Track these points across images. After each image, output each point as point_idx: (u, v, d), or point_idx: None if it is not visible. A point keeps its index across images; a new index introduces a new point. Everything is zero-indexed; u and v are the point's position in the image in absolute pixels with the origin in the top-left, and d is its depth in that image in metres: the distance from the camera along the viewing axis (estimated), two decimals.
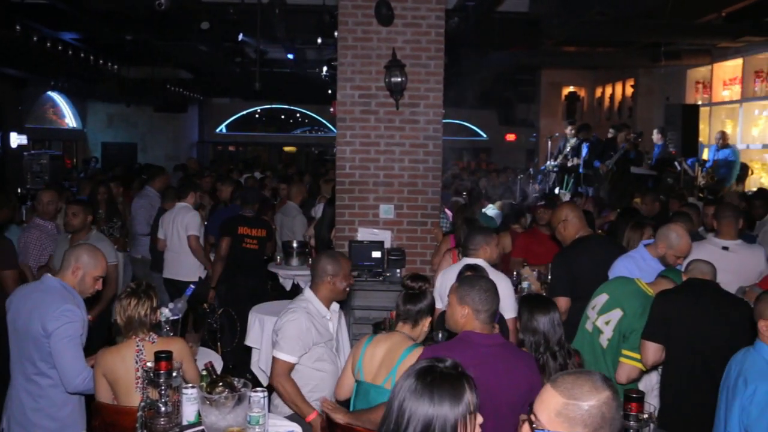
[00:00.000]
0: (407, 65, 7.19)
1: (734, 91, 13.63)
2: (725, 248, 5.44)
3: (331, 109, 9.93)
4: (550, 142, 14.29)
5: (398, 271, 7.24)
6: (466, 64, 15.67)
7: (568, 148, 13.88)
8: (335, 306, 4.43)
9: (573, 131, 14.00)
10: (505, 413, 3.29)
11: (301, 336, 4.10)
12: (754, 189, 11.91)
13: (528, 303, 3.87)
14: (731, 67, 13.74)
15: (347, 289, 4.36)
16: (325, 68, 14.32)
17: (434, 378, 2.27)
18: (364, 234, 7.36)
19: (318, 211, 9.13)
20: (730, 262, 5.31)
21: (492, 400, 3.26)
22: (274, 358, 4.13)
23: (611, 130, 13.55)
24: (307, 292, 4.34)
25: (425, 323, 3.75)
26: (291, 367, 4.09)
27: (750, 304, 4.25)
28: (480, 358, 3.29)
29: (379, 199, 7.44)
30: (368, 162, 7.42)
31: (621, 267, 4.86)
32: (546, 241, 6.58)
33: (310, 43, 13.19)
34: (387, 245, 7.30)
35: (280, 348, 4.10)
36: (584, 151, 13.51)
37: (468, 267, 4.82)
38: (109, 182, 9.19)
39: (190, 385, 3.37)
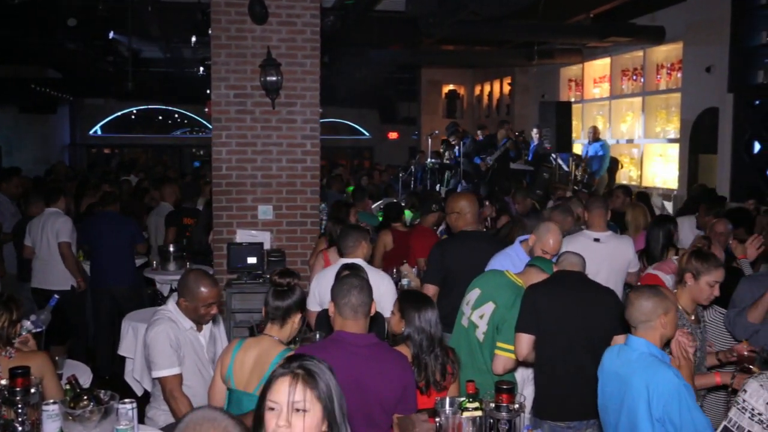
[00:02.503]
0: (283, 64, 7.10)
1: (604, 89, 14.27)
2: (596, 240, 5.65)
3: (206, 109, 9.69)
4: (430, 140, 14.48)
5: None
6: (347, 62, 15.71)
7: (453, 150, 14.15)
8: None
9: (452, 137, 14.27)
10: (378, 412, 3.30)
11: (172, 344, 3.97)
12: (624, 182, 12.52)
13: (412, 299, 3.87)
14: (600, 66, 14.37)
15: (208, 317, 4.16)
16: (201, 68, 13.99)
17: None
18: (242, 236, 7.21)
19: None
20: (602, 253, 5.54)
21: (365, 400, 3.25)
22: (159, 380, 3.97)
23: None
24: (170, 304, 4.19)
25: (295, 320, 3.64)
26: (179, 379, 3.95)
27: (616, 293, 4.43)
28: (352, 357, 3.28)
29: (257, 200, 7.31)
30: (245, 163, 7.27)
31: (496, 264, 4.96)
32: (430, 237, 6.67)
33: (185, 42, 12.85)
34: (266, 246, 7.19)
35: (159, 366, 3.95)
36: (460, 148, 13.78)
37: (345, 267, 4.80)
38: None
39: (52, 401, 3.19)
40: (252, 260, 6.89)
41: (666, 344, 3.43)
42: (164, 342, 3.95)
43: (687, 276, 4.06)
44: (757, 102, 10.11)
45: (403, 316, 3.78)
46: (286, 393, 2.14)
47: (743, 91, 10.21)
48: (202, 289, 4.05)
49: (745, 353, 3.95)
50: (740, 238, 6.70)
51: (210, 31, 7.30)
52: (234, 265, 6.88)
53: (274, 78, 7.00)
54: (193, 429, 1.89)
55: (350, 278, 3.50)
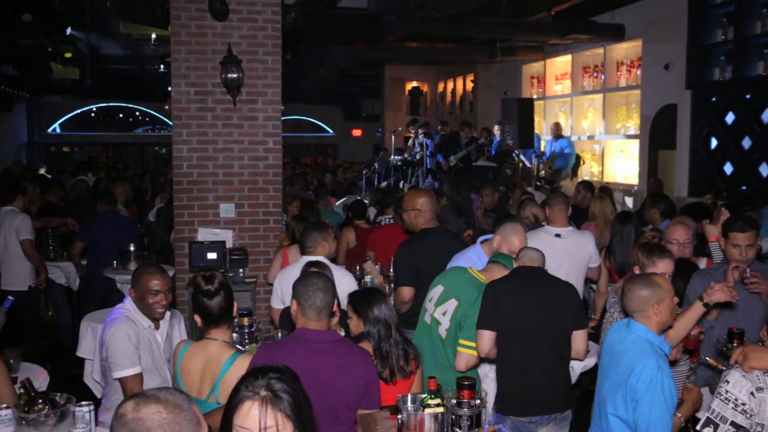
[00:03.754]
0: (244, 61, 7.05)
1: (565, 86, 14.39)
2: (558, 235, 5.69)
3: (166, 107, 9.57)
4: (393, 137, 14.49)
5: (241, 270, 7.09)
6: (310, 59, 15.65)
7: (416, 146, 14.14)
8: (167, 313, 4.25)
9: (419, 130, 14.25)
10: (342, 409, 3.29)
11: (132, 342, 3.91)
12: (586, 178, 12.65)
13: (362, 296, 3.89)
14: (562, 63, 14.49)
15: (158, 308, 4.08)
16: (162, 65, 13.83)
17: None
18: (204, 234, 7.15)
19: (156, 212, 8.79)
20: (563, 248, 5.58)
21: (327, 397, 3.24)
22: (120, 380, 3.89)
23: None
24: (128, 303, 4.13)
25: (232, 318, 3.61)
26: (140, 378, 3.89)
27: (576, 288, 4.48)
28: (315, 355, 3.27)
29: (218, 198, 7.26)
30: (206, 160, 7.21)
31: (459, 262, 4.96)
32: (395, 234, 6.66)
33: (146, 39, 12.69)
34: (229, 245, 7.14)
35: (119, 366, 3.86)
36: (429, 146, 13.81)
37: (310, 264, 4.78)
38: None
39: (4, 405, 3.12)
40: (214, 259, 6.82)
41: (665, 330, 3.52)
42: (123, 341, 3.88)
43: (635, 269, 4.18)
44: (714, 99, 10.28)
45: (359, 315, 3.81)
46: (256, 419, 2.12)
47: (700, 88, 10.38)
48: (147, 276, 4.01)
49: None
50: (699, 231, 6.82)
51: (170, 28, 7.21)
52: (196, 263, 6.80)
53: (235, 75, 6.95)
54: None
55: (315, 279, 3.46)
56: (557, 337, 4.00)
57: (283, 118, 7.55)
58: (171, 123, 7.38)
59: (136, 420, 1.83)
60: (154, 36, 11.19)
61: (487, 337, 4.02)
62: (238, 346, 4.33)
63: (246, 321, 4.77)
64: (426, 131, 13.67)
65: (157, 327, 4.17)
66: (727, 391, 2.74)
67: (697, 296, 4.42)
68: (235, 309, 3.65)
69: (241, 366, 3.32)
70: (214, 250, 6.87)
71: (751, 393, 2.71)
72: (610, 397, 3.39)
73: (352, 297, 4.01)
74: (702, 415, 2.84)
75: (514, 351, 4.00)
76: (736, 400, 2.72)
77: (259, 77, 7.24)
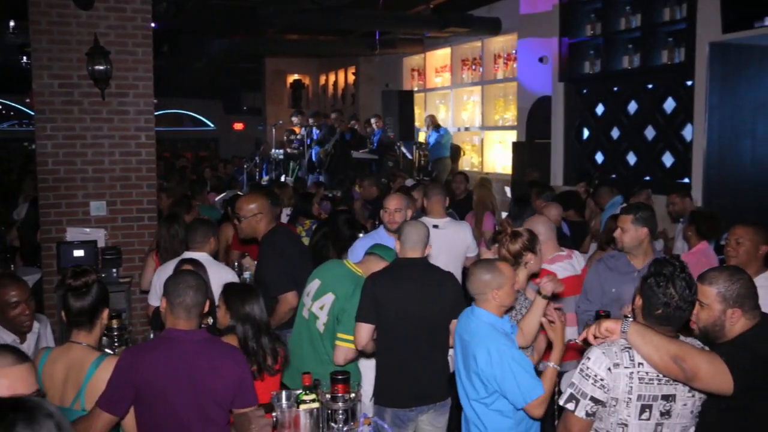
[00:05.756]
0: (112, 52, 6.77)
1: (445, 78, 14.62)
2: (436, 226, 5.73)
3: (27, 100, 9.09)
4: (274, 130, 14.32)
5: (115, 270, 6.83)
6: (187, 52, 15.25)
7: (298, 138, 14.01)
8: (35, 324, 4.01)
9: (308, 120, 14.11)
10: (214, 409, 3.21)
11: None
12: (466, 169, 12.90)
13: (237, 291, 3.82)
14: (441, 56, 14.71)
15: (22, 319, 3.86)
16: (25, 57, 13.09)
17: None
18: (73, 234, 6.82)
19: (22, 211, 8.33)
20: (441, 239, 5.63)
21: (198, 398, 3.16)
22: None
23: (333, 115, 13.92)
24: None
25: (102, 318, 3.43)
26: None
27: (455, 277, 4.52)
28: (184, 355, 3.17)
29: (88, 196, 6.94)
30: (74, 157, 6.88)
31: (359, 246, 5.07)
32: None
33: (3, 27, 11.95)
34: (101, 244, 6.85)
35: None
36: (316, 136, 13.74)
37: (185, 261, 4.63)
38: None
39: None
40: (83, 258, 6.51)
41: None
42: None
43: (490, 251, 4.37)
44: (585, 91, 10.66)
45: (229, 308, 3.74)
46: None
47: (572, 81, 10.73)
48: (1, 289, 3.79)
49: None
50: (570, 220, 7.07)
51: (29, 16, 6.80)
52: (65, 265, 6.46)
53: (102, 67, 6.66)
54: None
55: (187, 277, 3.34)
56: (436, 328, 4.02)
57: (160, 112, 7.34)
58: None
59: None
60: (12, 24, 10.54)
61: (365, 331, 4.01)
62: (107, 350, 4.13)
63: (116, 323, 4.56)
64: (316, 121, 13.59)
65: (22, 340, 3.92)
66: (588, 368, 2.84)
67: (593, 290, 4.60)
68: (105, 314, 3.46)
69: (108, 369, 3.18)
70: (84, 249, 6.57)
71: (609, 369, 2.80)
72: (469, 383, 3.51)
73: (228, 288, 3.92)
74: (565, 389, 2.92)
75: (393, 343, 4.00)
76: (595, 375, 2.81)
77: (129, 69, 6.97)
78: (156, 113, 7.41)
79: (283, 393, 3.44)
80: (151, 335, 4.35)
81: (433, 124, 12.98)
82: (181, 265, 4.53)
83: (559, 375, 3.70)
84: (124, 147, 7.03)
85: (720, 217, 5.84)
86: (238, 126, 23.59)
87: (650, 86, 9.48)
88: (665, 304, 2.81)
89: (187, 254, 4.94)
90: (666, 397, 2.82)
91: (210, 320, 3.94)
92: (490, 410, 3.47)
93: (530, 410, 3.35)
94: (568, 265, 4.94)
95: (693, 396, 2.87)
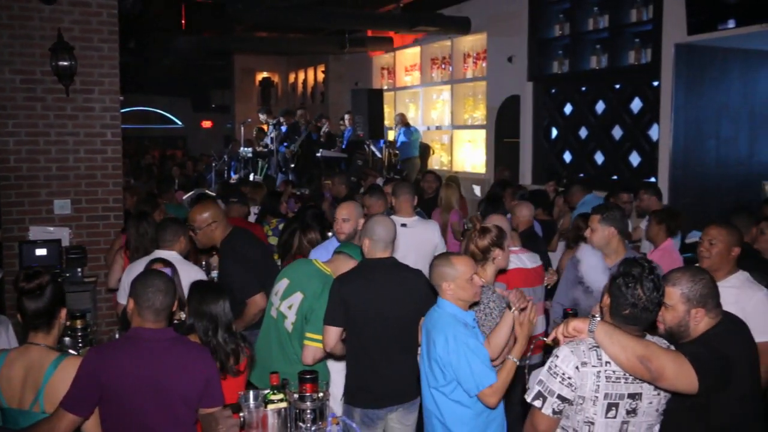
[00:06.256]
0: (77, 48, 6.66)
1: (415, 77, 14.61)
2: (404, 225, 5.73)
3: None
4: (243, 128, 14.21)
5: (79, 270, 6.72)
6: (155, 48, 15.07)
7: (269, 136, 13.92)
8: None
9: (279, 119, 13.99)
10: (182, 409, 3.18)
11: None
12: (435, 168, 12.92)
13: (200, 289, 3.77)
14: (411, 55, 14.70)
15: None
16: None
17: None
18: (36, 233, 6.70)
19: None
20: (409, 238, 5.63)
21: (165, 398, 3.13)
22: None
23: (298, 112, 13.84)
24: None
25: (60, 318, 3.37)
26: None
27: (424, 275, 4.52)
28: (151, 355, 3.13)
29: (52, 194, 6.82)
30: (37, 154, 6.76)
31: (316, 256, 4.95)
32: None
33: None
34: (65, 243, 6.74)
35: None
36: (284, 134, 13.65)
37: (156, 260, 4.58)
38: None
39: None
40: (46, 258, 6.40)
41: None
42: None
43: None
44: (553, 90, 10.74)
45: (187, 305, 3.73)
46: None
47: (541, 80, 10.81)
48: None
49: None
50: (539, 218, 7.11)
51: None
52: (27, 264, 6.36)
53: (66, 63, 6.55)
54: None
55: (156, 280, 3.28)
56: (406, 327, 4.01)
57: (126, 110, 7.28)
58: None
59: None
60: None
61: (333, 333, 3.98)
62: (70, 350, 4.05)
63: (80, 323, 4.49)
64: (286, 120, 13.50)
65: None
66: (556, 366, 2.85)
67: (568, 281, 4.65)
68: (63, 313, 3.39)
69: (68, 369, 3.13)
70: (47, 248, 6.46)
71: (576, 367, 2.82)
72: (430, 371, 3.58)
73: (191, 286, 3.87)
74: (533, 387, 2.93)
75: (363, 344, 3.98)
76: (563, 374, 2.83)
77: (94, 65, 6.87)
78: (123, 110, 7.32)
79: (251, 393, 3.41)
80: (117, 335, 4.28)
81: (403, 122, 12.97)
82: (151, 264, 4.48)
83: (528, 370, 3.72)
84: (89, 144, 6.92)
85: (681, 214, 6.00)
86: (207, 124, 23.38)
87: (618, 86, 9.58)
88: (632, 305, 2.84)
89: (158, 253, 4.89)
90: (632, 396, 2.85)
91: (182, 315, 3.88)
92: (449, 400, 3.53)
93: (484, 398, 3.42)
94: (516, 258, 4.99)
95: (659, 394, 2.90)
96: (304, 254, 5.39)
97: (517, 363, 3.48)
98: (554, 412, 2.86)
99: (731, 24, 7.64)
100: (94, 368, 3.07)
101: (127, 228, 5.82)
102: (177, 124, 24.67)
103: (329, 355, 4.26)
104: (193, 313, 3.65)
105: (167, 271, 3.81)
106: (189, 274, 4.60)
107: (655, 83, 8.78)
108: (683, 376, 2.77)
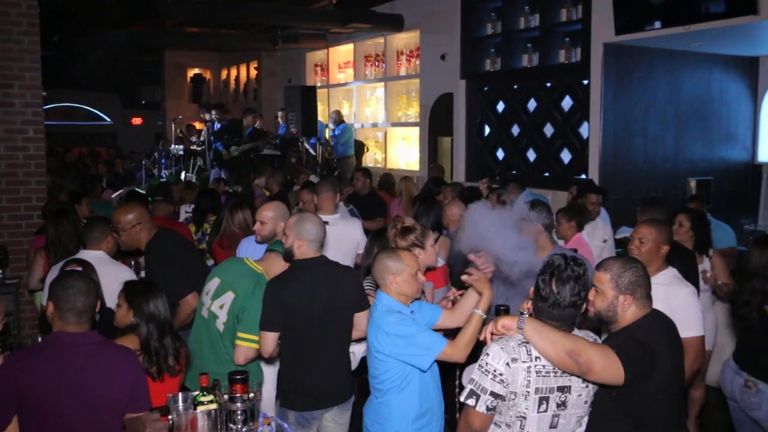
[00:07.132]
0: None
1: (348, 74, 14.57)
2: (326, 223, 5.68)
3: None
4: (174, 125, 13.94)
5: (1, 271, 6.47)
6: (82, 43, 14.67)
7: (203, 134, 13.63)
8: None
9: (213, 114, 13.68)
10: (107, 416, 3.09)
11: None
12: (371, 165, 12.91)
13: (140, 289, 3.69)
14: (345, 52, 14.65)
15: None
16: None
17: None
18: None
19: None
20: (331, 236, 5.57)
21: (91, 404, 3.03)
22: None
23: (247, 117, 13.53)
24: None
25: None
26: None
27: (355, 271, 4.50)
28: (74, 360, 3.02)
29: None
30: None
31: (245, 246, 5.06)
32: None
33: None
34: None
35: None
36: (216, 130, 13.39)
37: (72, 261, 4.43)
38: None
39: None
40: None
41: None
42: None
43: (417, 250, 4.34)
44: (486, 88, 10.83)
45: (131, 305, 3.61)
46: None
47: (474, 78, 10.90)
48: None
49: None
50: None
51: None
52: None
53: None
54: None
55: (76, 281, 3.18)
56: (340, 325, 3.98)
57: (51, 105, 7.04)
58: None
59: None
60: None
61: (271, 339, 3.90)
62: None
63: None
64: (219, 116, 13.25)
65: None
66: (487, 363, 2.87)
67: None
68: None
69: None
70: None
71: (507, 363, 2.84)
72: (372, 365, 3.64)
73: (129, 286, 3.77)
74: (466, 385, 2.94)
75: (300, 346, 3.92)
76: (494, 371, 2.85)
77: (14, 59, 6.64)
78: (46, 106, 7.10)
79: (180, 395, 3.32)
80: (39, 339, 4.12)
81: (338, 119, 12.91)
82: (66, 265, 4.34)
83: (460, 368, 3.75)
84: (9, 141, 6.69)
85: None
86: (137, 120, 22.90)
87: (548, 84, 9.72)
88: (556, 302, 2.88)
89: (84, 252, 4.75)
90: (561, 389, 2.89)
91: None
92: (393, 397, 3.58)
93: (450, 357, 3.48)
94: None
95: (587, 387, 2.95)
96: (230, 237, 5.56)
97: (484, 317, 3.55)
98: (488, 409, 2.87)
99: (657, 25, 7.83)
100: (11, 375, 2.95)
101: (46, 227, 5.64)
102: (106, 120, 24.08)
103: (260, 358, 4.20)
104: (138, 314, 3.57)
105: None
106: (118, 274, 4.48)
107: (585, 82, 8.94)
108: (610, 368, 2.82)
